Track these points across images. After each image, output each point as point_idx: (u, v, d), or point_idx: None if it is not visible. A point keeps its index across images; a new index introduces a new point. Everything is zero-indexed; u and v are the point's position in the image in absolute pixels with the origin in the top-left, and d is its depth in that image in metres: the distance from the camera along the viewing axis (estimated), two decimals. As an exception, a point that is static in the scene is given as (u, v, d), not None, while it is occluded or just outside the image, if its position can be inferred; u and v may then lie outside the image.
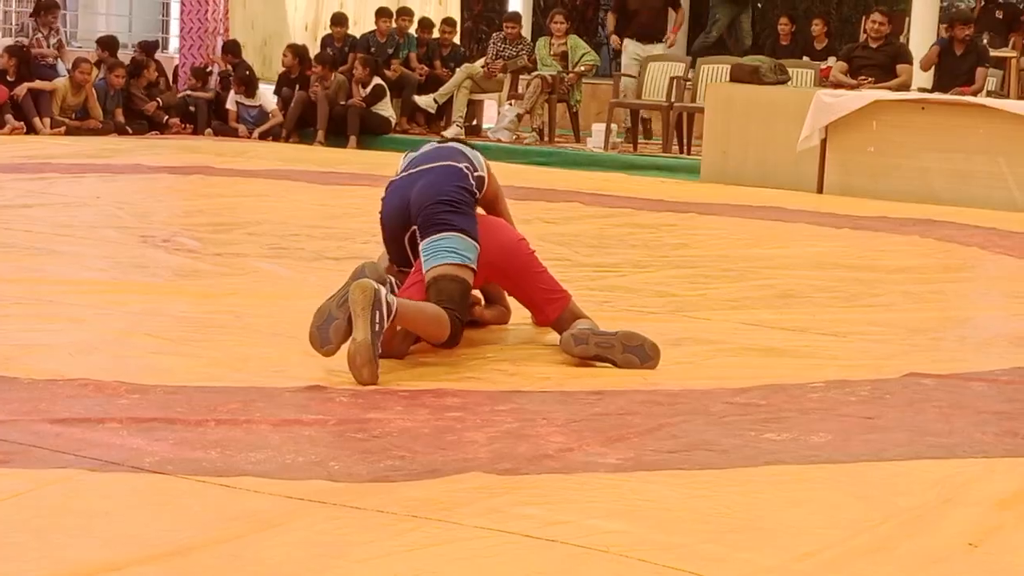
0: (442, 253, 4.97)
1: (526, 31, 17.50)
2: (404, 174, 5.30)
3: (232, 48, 16.47)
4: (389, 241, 5.24)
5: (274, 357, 4.88)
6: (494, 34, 16.94)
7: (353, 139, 15.32)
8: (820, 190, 12.24)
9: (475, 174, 5.21)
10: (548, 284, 5.23)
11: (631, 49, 15.83)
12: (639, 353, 4.96)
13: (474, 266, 5.00)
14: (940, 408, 4.54)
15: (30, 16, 17.27)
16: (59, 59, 16.10)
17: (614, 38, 16.11)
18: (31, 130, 14.81)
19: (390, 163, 13.62)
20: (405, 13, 17.04)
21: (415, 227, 5.08)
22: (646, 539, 3.10)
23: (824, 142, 12.22)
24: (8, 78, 14.97)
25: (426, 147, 5.49)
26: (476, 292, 5.31)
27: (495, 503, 3.33)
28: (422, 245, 5.03)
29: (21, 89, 14.96)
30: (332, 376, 4.59)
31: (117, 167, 11.36)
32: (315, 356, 4.73)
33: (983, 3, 19.10)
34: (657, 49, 15.73)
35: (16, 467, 3.42)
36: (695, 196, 11.42)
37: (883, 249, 8.74)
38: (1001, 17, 18.36)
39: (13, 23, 20.78)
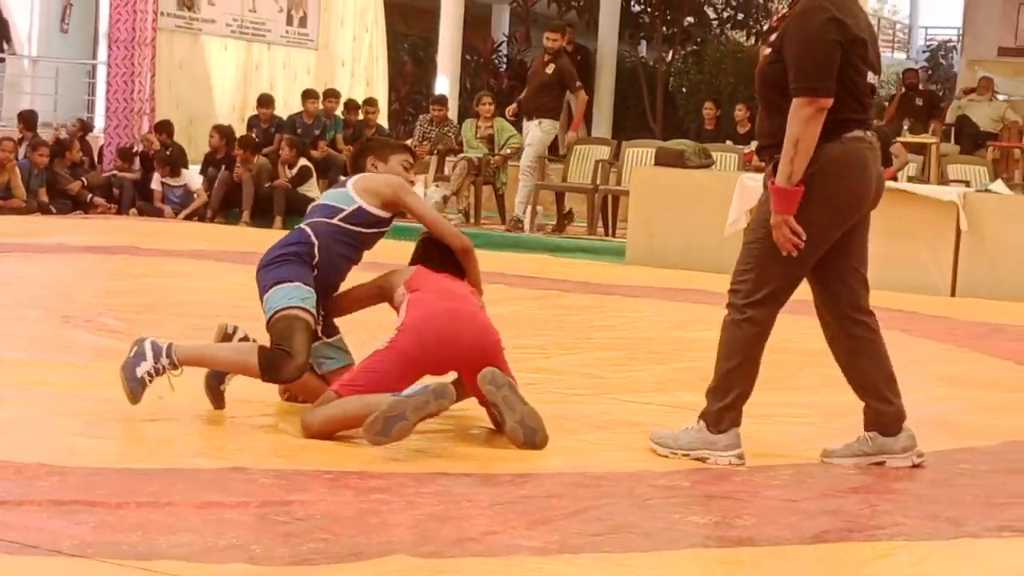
0: (267, 311, 5.17)
1: (452, 113, 17.60)
2: None
3: (166, 127, 16.43)
4: None
5: (195, 439, 4.84)
6: (420, 116, 17.04)
7: (279, 219, 15.28)
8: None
9: (339, 217, 5.35)
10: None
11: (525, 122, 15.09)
12: (528, 435, 4.95)
13: (298, 304, 5.12)
14: (862, 493, 4.57)
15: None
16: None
17: (511, 108, 15.20)
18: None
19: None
20: (332, 95, 17.10)
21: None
22: (570, 623, 3.09)
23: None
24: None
25: None
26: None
27: (419, 587, 3.31)
28: None
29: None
30: (254, 457, 4.55)
31: (40, 247, 11.27)
32: (235, 438, 4.72)
33: (903, 91, 19.48)
34: (532, 126, 14.79)
35: (-68, 551, 3.36)
36: (621, 279, 11.48)
37: (807, 331, 8.78)
38: (921, 104, 18.73)
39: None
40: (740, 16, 24.81)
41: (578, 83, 14.83)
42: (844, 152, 4.70)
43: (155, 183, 16.01)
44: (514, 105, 15.07)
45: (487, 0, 26.14)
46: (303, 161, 15.67)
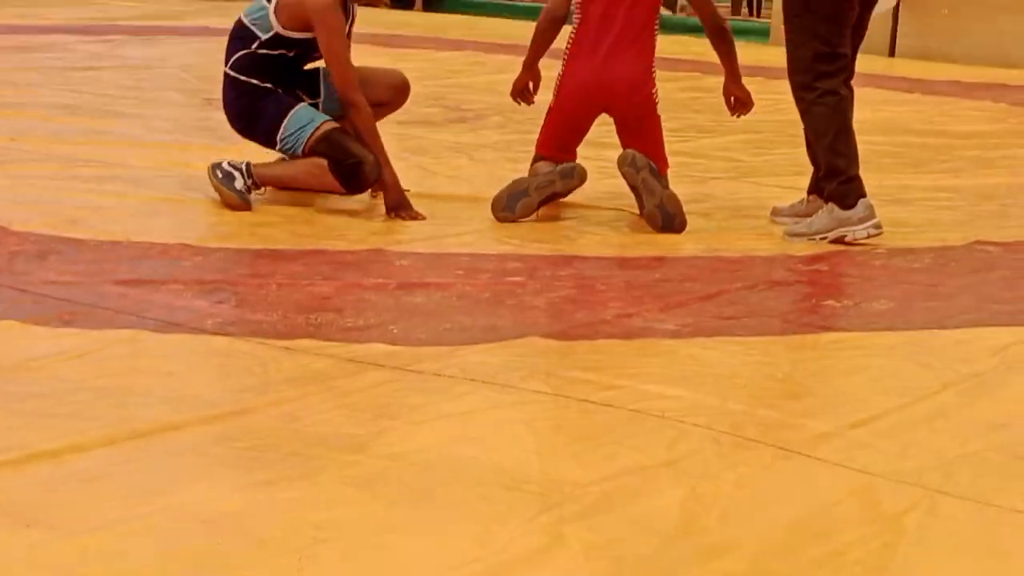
0: (296, 146, 5.00)
1: None
2: None
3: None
4: None
5: (337, 221, 4.89)
6: None
7: (419, 0, 15.20)
8: (892, 53, 12.05)
9: (255, 45, 5.05)
10: (654, 144, 5.17)
11: None
12: (667, 220, 4.93)
13: (319, 121, 4.98)
14: (1005, 276, 4.50)
15: None
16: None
17: None
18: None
19: (456, 25, 13.55)
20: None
21: None
22: (702, 405, 3.10)
23: (898, 5, 12.00)
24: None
25: None
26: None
27: (552, 367, 3.35)
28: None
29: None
30: (392, 238, 4.60)
31: (184, 29, 11.34)
32: (375, 216, 4.79)
33: None
34: None
35: (80, 327, 3.47)
36: (764, 60, 11.25)
37: (953, 114, 8.62)
38: None
39: None
40: None
41: None
42: None
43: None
44: None
45: None
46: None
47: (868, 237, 4.82)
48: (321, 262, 4.26)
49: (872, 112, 8.49)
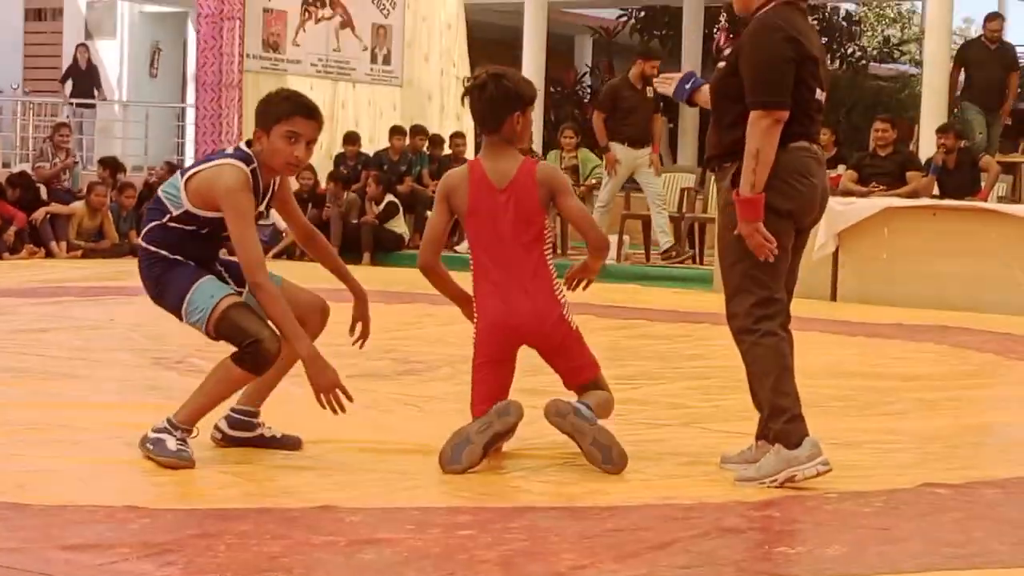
0: (198, 322, 5.01)
1: (536, 145, 17.63)
2: None
3: (248, 168, 16.58)
4: None
5: (286, 478, 4.86)
6: (506, 149, 17.04)
7: (367, 256, 15.40)
8: (834, 297, 12.24)
9: (168, 218, 5.06)
10: (579, 357, 5.26)
11: (622, 155, 14.39)
12: (604, 453, 4.97)
13: (219, 297, 4.96)
14: (956, 518, 4.50)
15: (45, 140, 17.46)
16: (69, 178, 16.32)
17: (607, 144, 14.47)
18: (48, 254, 14.92)
19: (404, 279, 13.65)
20: (418, 131, 17.19)
21: None
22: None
23: (837, 249, 12.24)
24: (20, 204, 15.12)
25: None
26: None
27: (506, 623, 3.30)
28: None
29: (39, 214, 15.10)
30: (342, 494, 4.57)
31: (131, 289, 11.36)
32: (326, 472, 4.74)
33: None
34: (643, 155, 14.46)
35: (25, 595, 3.40)
36: (708, 306, 11.40)
37: (897, 356, 8.72)
38: (1010, 123, 18.45)
39: (30, 149, 20.99)
40: (824, 40, 24.69)
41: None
42: (788, 159, 4.84)
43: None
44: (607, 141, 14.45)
45: (569, 32, 26.17)
46: (389, 197, 15.79)
47: (818, 475, 4.83)
48: (270, 520, 4.21)
49: (817, 356, 8.59)
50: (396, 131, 17.10)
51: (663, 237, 14.57)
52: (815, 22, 24.27)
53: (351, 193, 15.95)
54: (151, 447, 4.96)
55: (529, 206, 5.23)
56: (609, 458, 4.96)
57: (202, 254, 5.15)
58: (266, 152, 5.07)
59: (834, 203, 12.23)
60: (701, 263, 14.61)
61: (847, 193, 12.99)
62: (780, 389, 4.90)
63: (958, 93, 15.86)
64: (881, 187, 13.14)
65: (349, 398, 4.96)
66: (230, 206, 4.95)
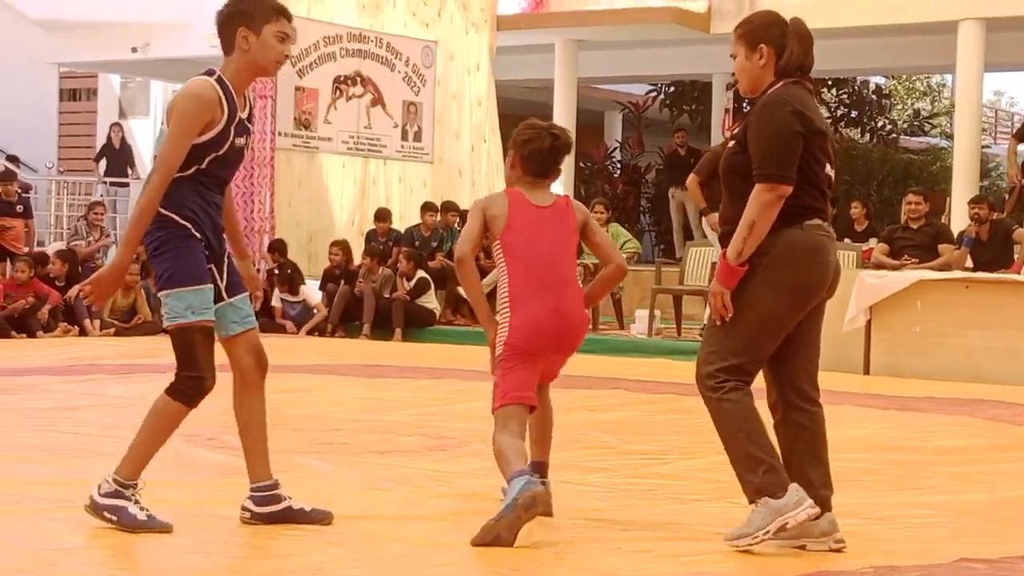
0: (167, 315, 5.05)
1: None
2: None
3: (278, 247, 16.70)
4: None
5: (314, 554, 4.85)
6: (537, 225, 17.07)
7: (398, 332, 15.41)
8: (867, 371, 12.20)
9: None
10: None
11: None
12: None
13: (193, 320, 5.01)
14: (991, 592, 4.45)
15: (80, 219, 17.60)
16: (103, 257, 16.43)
17: (707, 213, 13.99)
18: (82, 332, 15.00)
19: (435, 355, 13.65)
20: (449, 207, 17.25)
21: None
22: None
23: (869, 323, 12.20)
24: (58, 283, 15.25)
25: None
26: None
27: None
28: None
29: (73, 291, 15.19)
30: (371, 571, 4.55)
31: (164, 366, 11.38)
32: (356, 548, 4.75)
33: (1022, 182, 19.22)
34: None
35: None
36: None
37: (931, 430, 8.67)
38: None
39: (65, 227, 21.17)
40: (854, 113, 24.74)
41: None
42: (804, 238, 4.93)
43: (275, 300, 16.23)
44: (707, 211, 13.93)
45: (599, 107, 26.30)
46: (421, 273, 15.82)
47: (808, 519, 4.84)
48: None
49: (850, 429, 8.55)
50: (427, 207, 17.17)
51: None
52: (845, 96, 24.34)
53: (384, 269, 16.00)
54: (112, 517, 4.98)
55: (569, 224, 5.55)
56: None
57: (208, 213, 5.08)
58: (255, 50, 5.04)
59: (866, 276, 12.24)
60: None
61: (879, 266, 12.98)
62: (753, 441, 4.93)
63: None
64: (913, 260, 13.12)
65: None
66: (178, 109, 4.95)
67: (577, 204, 5.67)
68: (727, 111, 18.45)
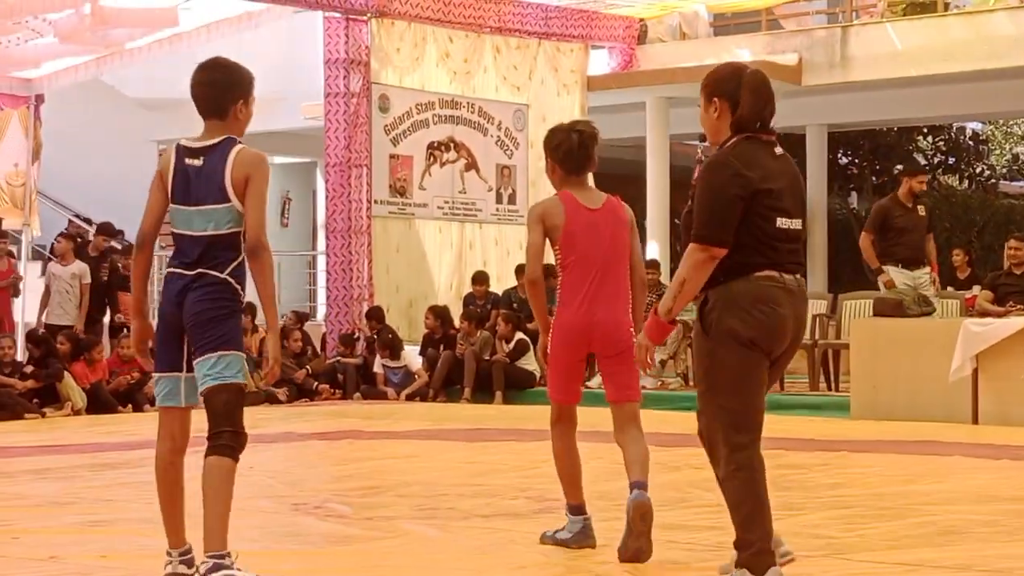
0: (218, 374, 5.12)
1: (664, 277, 17.66)
2: None
3: (375, 314, 16.80)
4: None
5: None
6: (634, 283, 17.06)
7: (499, 394, 15.43)
8: (975, 420, 12.02)
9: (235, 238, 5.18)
10: (629, 374, 6.05)
11: (898, 279, 13.32)
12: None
13: (241, 379, 5.17)
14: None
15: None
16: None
17: (879, 272, 13.47)
18: (186, 404, 15.13)
19: (536, 416, 13.64)
20: (550, 272, 17.23)
21: None
22: None
23: (976, 371, 12.03)
24: (145, 367, 15.39)
25: None
26: None
27: None
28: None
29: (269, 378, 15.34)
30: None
31: (268, 436, 11.51)
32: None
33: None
34: (923, 275, 13.44)
35: None
36: (846, 433, 11.26)
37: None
38: None
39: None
40: (951, 160, 24.53)
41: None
42: (747, 288, 4.93)
43: (377, 366, 16.33)
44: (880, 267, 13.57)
45: (691, 164, 26.29)
46: (519, 335, 15.84)
47: None
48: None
49: (961, 480, 8.42)
50: (523, 269, 17.20)
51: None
52: (941, 143, 24.15)
53: (484, 331, 16.05)
54: None
55: (621, 225, 6.09)
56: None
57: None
58: (244, 120, 5.30)
59: (970, 324, 12.08)
60: (836, 390, 14.43)
61: (984, 314, 12.81)
62: (748, 525, 4.92)
63: None
64: (1019, 306, 12.92)
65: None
66: (265, 176, 5.17)
67: (627, 207, 6.14)
68: (698, 162, 18.32)
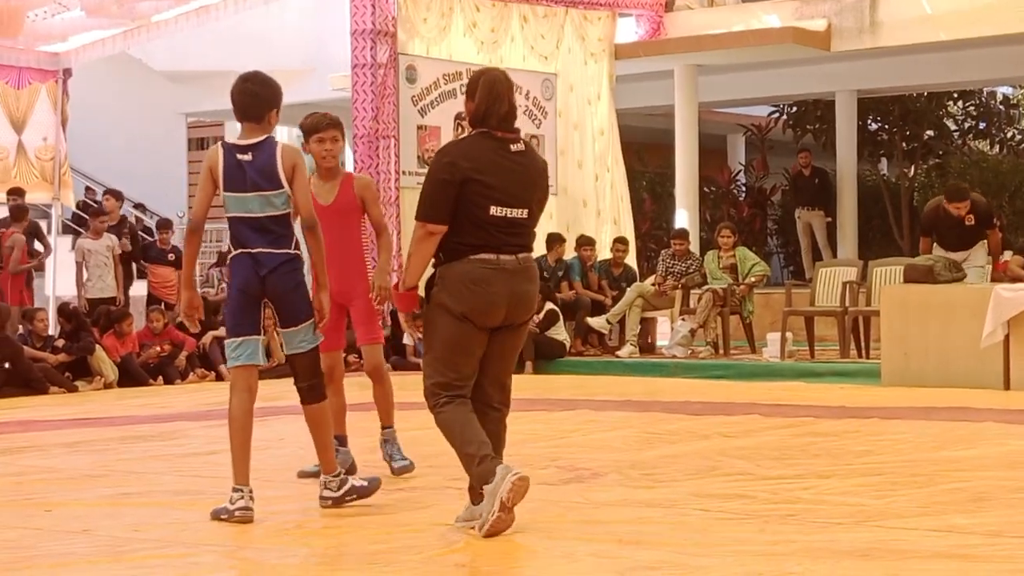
0: (303, 340, 6.52)
1: (694, 246, 17.63)
2: None
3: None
4: None
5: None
6: (663, 251, 17.07)
7: (529, 364, 15.43)
8: (1007, 386, 11.97)
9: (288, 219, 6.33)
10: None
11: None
12: None
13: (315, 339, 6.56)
14: None
15: (211, 267, 17.85)
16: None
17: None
18: (218, 377, 15.19)
19: (566, 386, 13.66)
20: (587, 243, 17.25)
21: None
22: None
23: (1007, 337, 11.98)
24: (193, 330, 15.47)
25: None
26: None
27: None
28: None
29: (207, 338, 15.43)
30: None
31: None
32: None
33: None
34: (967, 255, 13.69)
35: None
36: (876, 401, 11.24)
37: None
38: None
39: (198, 275, 21.50)
40: (982, 125, 24.36)
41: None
42: (464, 269, 5.68)
43: (407, 338, 16.33)
44: None
45: (721, 131, 26.18)
46: (549, 305, 15.84)
47: (517, 485, 5.45)
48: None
49: (993, 447, 8.40)
50: (553, 238, 17.19)
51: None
52: (972, 107, 23.98)
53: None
54: (354, 496, 6.47)
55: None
56: None
57: None
58: (274, 124, 6.38)
59: (1001, 290, 12.02)
60: (867, 357, 14.40)
61: (1015, 279, 12.74)
62: (465, 439, 5.65)
63: None
64: (1050, 271, 12.86)
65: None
66: (305, 165, 6.34)
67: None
68: None
